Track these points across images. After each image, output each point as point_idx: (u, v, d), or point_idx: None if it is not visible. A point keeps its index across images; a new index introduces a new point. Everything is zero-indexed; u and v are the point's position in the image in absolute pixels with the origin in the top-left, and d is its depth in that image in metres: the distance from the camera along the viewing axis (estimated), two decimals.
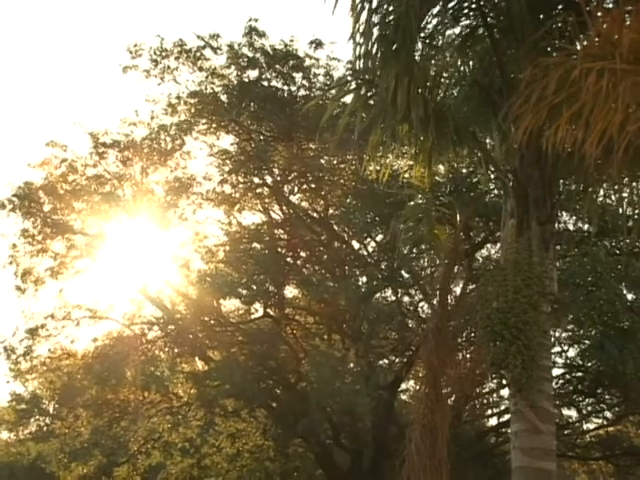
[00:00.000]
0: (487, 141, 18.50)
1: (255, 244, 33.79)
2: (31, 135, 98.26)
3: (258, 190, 32.99)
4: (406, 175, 26.98)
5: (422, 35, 16.48)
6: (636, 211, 23.58)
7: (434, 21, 16.81)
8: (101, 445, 37.38)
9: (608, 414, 38.06)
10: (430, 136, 16.21)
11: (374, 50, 15.44)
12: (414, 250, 33.09)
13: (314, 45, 31.75)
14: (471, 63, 17.82)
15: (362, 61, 15.70)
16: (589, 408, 37.46)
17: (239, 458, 35.74)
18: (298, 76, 32.09)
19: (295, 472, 36.69)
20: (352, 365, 33.45)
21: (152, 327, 34.29)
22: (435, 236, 20.04)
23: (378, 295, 34.59)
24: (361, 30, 15.35)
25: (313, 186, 32.95)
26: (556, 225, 21.55)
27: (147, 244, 34.72)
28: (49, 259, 32.89)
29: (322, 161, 31.58)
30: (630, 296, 32.06)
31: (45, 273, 32.71)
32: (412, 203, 19.67)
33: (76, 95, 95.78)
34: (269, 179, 32.71)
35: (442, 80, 17.86)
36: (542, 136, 13.99)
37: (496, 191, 25.59)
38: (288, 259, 34.19)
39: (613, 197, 23.58)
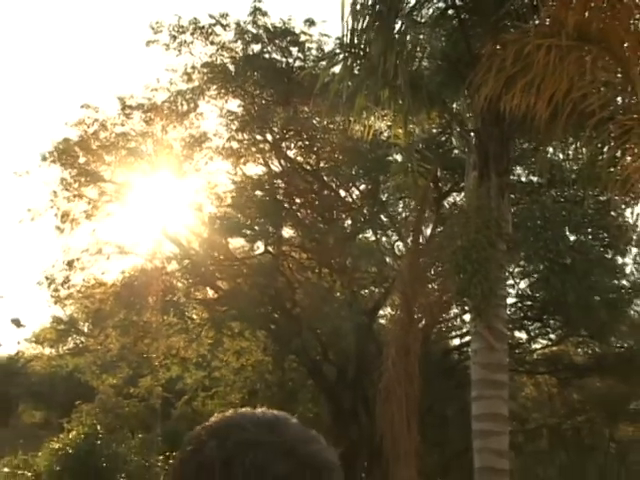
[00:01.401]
0: (454, 106, 18.51)
1: (257, 192, 33.89)
2: (69, 99, 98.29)
3: (260, 146, 33.00)
4: (386, 134, 27.12)
5: (401, 14, 16.60)
6: (579, 165, 23.67)
7: (412, 1, 16.97)
8: (127, 360, 37.63)
9: (552, 336, 38.26)
10: (407, 101, 16.27)
11: (362, 26, 15.59)
12: (391, 198, 33.18)
13: (308, 23, 32.19)
14: (442, 39, 17.91)
15: (351, 36, 15.83)
16: (536, 331, 37.64)
17: (243, 371, 35.96)
18: (294, 50, 32.13)
19: (290, 382, 36.88)
20: (338, 294, 33.71)
21: (170, 261, 34.40)
22: (411, 186, 20.11)
23: (360, 236, 34.79)
24: (351, 9, 15.51)
25: (307, 143, 32.97)
26: (511, 177, 21.68)
27: (166, 191, 34.92)
28: (84, 203, 33.01)
29: (315, 122, 31.60)
30: (572, 237, 32.15)
31: (80, 215, 32.81)
32: (398, 158, 19.77)
33: (107, 65, 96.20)
34: (269, 137, 32.73)
35: (417, 53, 17.91)
36: (500, 101, 14.02)
37: (461, 148, 25.55)
38: (285, 205, 34.24)
39: (560, 154, 23.69)
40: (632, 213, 32.03)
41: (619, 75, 13.55)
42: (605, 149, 15.45)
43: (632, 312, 36.24)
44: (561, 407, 41.96)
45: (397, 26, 16.49)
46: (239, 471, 1.69)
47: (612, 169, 17.03)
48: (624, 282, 34.47)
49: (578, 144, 17.50)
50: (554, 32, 12.88)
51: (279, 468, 1.70)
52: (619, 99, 14.44)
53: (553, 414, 41.64)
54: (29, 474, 26.71)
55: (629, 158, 14.68)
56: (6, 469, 27.22)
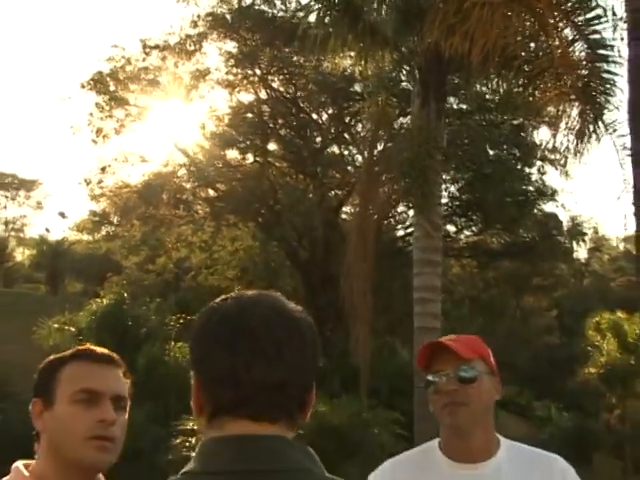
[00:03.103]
0: (404, 49, 18.40)
1: (248, 114, 33.91)
2: (102, 41, 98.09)
3: (250, 79, 32.84)
4: (349, 70, 26.96)
5: None
6: (499, 96, 23.63)
7: None
8: (147, 243, 37.71)
9: (474, 229, 38.46)
10: (367, 44, 16.29)
11: None
12: (353, 121, 33.15)
13: None
14: None
15: None
16: (462, 224, 37.81)
17: (237, 253, 36.02)
18: (278, 2, 31.80)
19: (272, 263, 36.92)
20: (311, 195, 33.68)
21: (180, 168, 34.40)
22: (380, 112, 20.22)
23: (329, 150, 34.73)
24: None
25: (287, 77, 32.88)
26: (446, 104, 21.65)
27: (177, 113, 35.23)
28: (113, 122, 33.07)
29: (294, 59, 31.38)
30: (492, 152, 32.26)
31: (111, 131, 32.94)
32: (357, 88, 19.83)
33: (132, 14, 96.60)
34: (258, 71, 32.53)
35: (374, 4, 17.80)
36: (441, 46, 13.95)
37: (408, 81, 25.41)
38: (270, 125, 34.20)
39: (484, 87, 23.69)
40: (538, 134, 31.98)
41: (536, 27, 13.50)
42: (520, 84, 15.51)
43: (536, 211, 36.55)
44: (479, 283, 42.35)
45: None
46: (251, 317, 1.76)
47: (525, 100, 17.12)
48: (530, 188, 34.66)
49: (500, 81, 17.49)
50: None
51: (276, 320, 1.77)
52: (533, 45, 14.42)
53: (473, 288, 42.03)
54: (73, 329, 26.95)
55: (538, 92, 14.74)
56: (56, 325, 27.42)
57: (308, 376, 1.81)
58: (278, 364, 1.73)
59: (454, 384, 2.92)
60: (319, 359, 1.87)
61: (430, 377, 2.99)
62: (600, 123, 13.81)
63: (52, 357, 2.60)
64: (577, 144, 14.14)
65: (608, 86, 13.34)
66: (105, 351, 2.58)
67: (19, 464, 2.48)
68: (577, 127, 14.09)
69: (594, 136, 14.01)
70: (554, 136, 15.19)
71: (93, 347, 2.61)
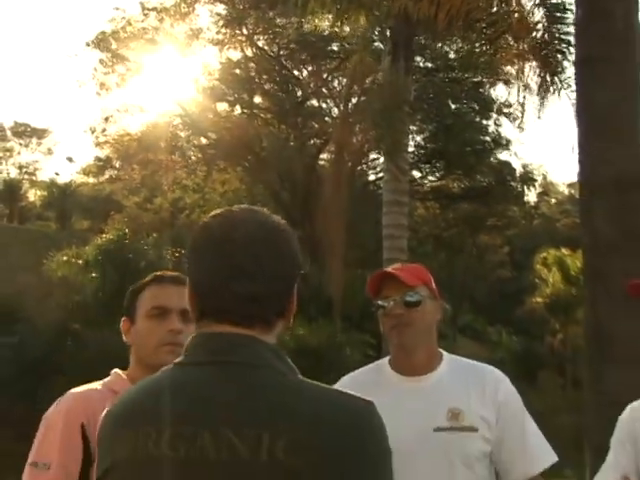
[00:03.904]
0: (377, 12, 18.23)
1: (236, 70, 33.59)
2: (105, 3, 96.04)
3: (238, 38, 32.33)
4: (327, 31, 26.69)
5: None
6: (461, 56, 23.47)
7: None
8: (146, 186, 37.56)
9: (437, 174, 38.51)
10: (344, 6, 16.08)
11: None
12: (330, 77, 32.94)
13: None
14: None
15: None
16: (427, 170, 37.89)
17: (226, 195, 35.78)
18: None
19: (258, 203, 36.78)
20: (292, 143, 33.59)
21: (176, 118, 34.18)
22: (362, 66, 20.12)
23: (308, 103, 34.50)
24: None
25: (272, 36, 32.47)
26: (413, 63, 21.50)
27: (173, 69, 35.03)
28: (115, 76, 32.66)
29: (277, 21, 31.00)
30: (453, 106, 32.18)
31: (113, 85, 32.57)
32: (335, 48, 19.68)
33: None
34: (245, 31, 32.09)
35: None
36: (410, 9, 13.81)
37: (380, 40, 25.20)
38: (256, 80, 34.01)
39: (449, 48, 23.57)
40: (495, 90, 32.05)
41: None
42: (481, 45, 15.38)
43: (492, 159, 36.63)
44: (441, 223, 42.42)
45: None
46: (232, 233, 1.78)
47: (485, 60, 17.00)
48: (487, 138, 34.71)
49: (463, 42, 17.41)
50: None
51: (256, 234, 1.79)
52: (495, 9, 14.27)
53: (436, 227, 42.09)
54: (80, 262, 26.88)
55: (497, 53, 14.65)
56: (64, 258, 27.32)
57: (287, 286, 1.84)
58: (256, 278, 1.75)
59: (401, 308, 2.98)
60: (299, 268, 1.88)
61: (380, 302, 3.03)
62: (556, 79, 13.73)
63: (134, 285, 2.91)
64: (541, 99, 14.07)
65: (564, 45, 13.24)
66: (173, 274, 2.89)
67: (117, 370, 2.87)
68: (534, 84, 14.05)
69: (550, 92, 13.95)
70: (514, 92, 15.15)
71: (164, 272, 2.92)
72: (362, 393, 3.05)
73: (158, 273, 2.91)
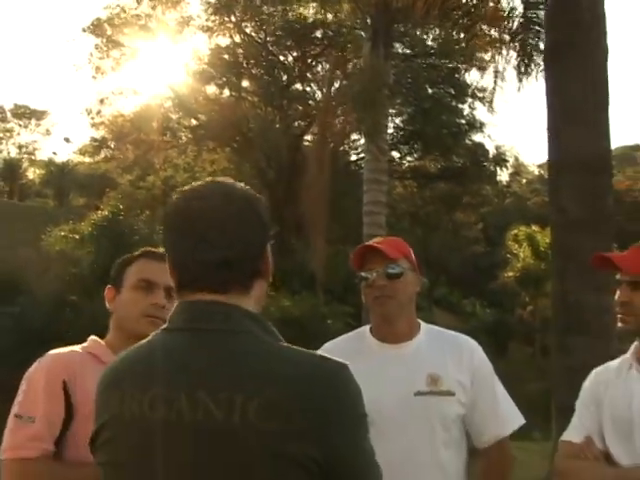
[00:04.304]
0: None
1: (225, 55, 33.36)
2: None
3: (227, 25, 32.22)
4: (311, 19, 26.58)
5: None
6: (438, 43, 23.42)
7: None
8: (139, 164, 37.34)
9: (415, 155, 38.51)
10: None
11: None
12: (314, 62, 32.83)
13: None
14: None
15: None
16: (405, 151, 37.84)
17: (215, 174, 35.49)
18: None
19: (244, 181, 36.54)
20: (277, 125, 33.46)
21: (167, 100, 34.12)
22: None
23: (293, 86, 34.36)
24: None
25: (259, 23, 32.31)
26: (392, 49, 21.46)
27: (165, 54, 34.84)
28: (110, 61, 32.50)
29: (264, 9, 30.88)
30: (430, 91, 32.13)
31: (108, 69, 32.42)
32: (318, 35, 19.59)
33: None
34: (233, 18, 31.92)
35: None
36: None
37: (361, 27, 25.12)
38: (243, 64, 33.82)
39: (426, 35, 23.52)
40: (469, 75, 32.06)
41: None
42: (457, 33, 15.34)
43: (467, 141, 36.64)
44: (418, 201, 42.44)
45: None
46: (197, 205, 1.81)
47: (460, 46, 16.99)
48: (462, 121, 34.71)
49: (440, 30, 17.36)
50: None
51: (220, 204, 1.82)
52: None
53: (413, 205, 42.10)
54: (76, 237, 26.82)
55: (472, 40, 14.61)
56: (62, 233, 27.27)
57: (256, 250, 1.84)
58: (221, 245, 1.76)
59: (383, 279, 2.99)
60: (266, 232, 1.89)
61: (363, 274, 3.04)
62: (532, 65, 13.68)
63: (124, 257, 2.92)
64: (519, 81, 14.01)
65: (539, 29, 13.22)
66: (163, 251, 2.79)
67: (94, 337, 2.85)
68: (507, 70, 14.04)
69: (526, 77, 13.90)
70: (488, 77, 15.13)
71: (154, 249, 2.92)
72: (344, 359, 3.09)
73: (148, 249, 2.92)
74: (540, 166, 64.99)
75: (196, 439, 1.65)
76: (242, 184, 1.92)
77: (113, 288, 2.84)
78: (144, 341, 1.87)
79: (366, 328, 3.18)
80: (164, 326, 1.84)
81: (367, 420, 1.81)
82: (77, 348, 2.76)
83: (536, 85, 16.45)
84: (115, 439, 1.76)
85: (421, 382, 2.96)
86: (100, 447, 1.80)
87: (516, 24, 12.85)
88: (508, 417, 3.09)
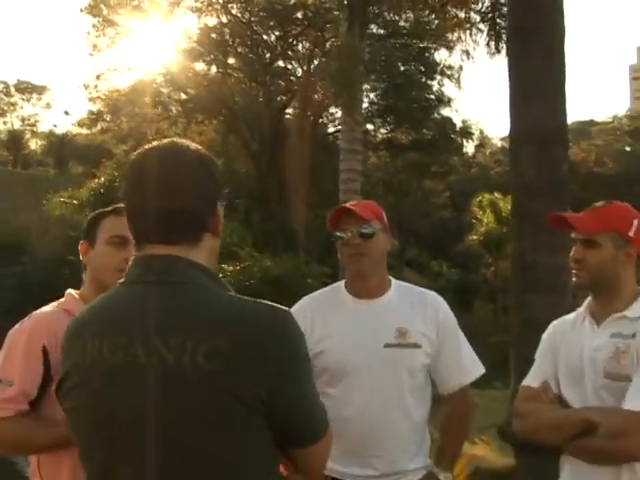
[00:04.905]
0: None
1: (212, 34, 33.01)
2: None
3: (215, 6, 31.88)
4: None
5: None
6: (410, 24, 23.23)
7: None
8: (133, 134, 37.01)
9: (388, 127, 38.41)
10: None
11: None
12: (295, 41, 32.58)
13: None
14: None
15: None
16: (379, 124, 37.76)
17: (203, 144, 35.17)
18: None
19: (231, 151, 36.61)
20: (261, 99, 33.22)
21: (159, 76, 33.80)
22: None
23: (276, 64, 34.03)
24: None
25: (244, 4, 32.03)
26: (367, 30, 21.30)
27: (157, 33, 34.63)
28: (106, 39, 32.12)
29: None
30: (402, 68, 32.01)
31: (104, 47, 32.07)
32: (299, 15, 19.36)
33: None
34: (220, 0, 31.61)
35: None
36: None
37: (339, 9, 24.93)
38: (229, 42, 33.49)
39: (399, 17, 23.32)
40: (438, 54, 31.98)
41: None
42: (427, 15, 15.27)
43: (435, 114, 36.65)
44: (391, 169, 42.46)
45: None
46: (150, 162, 1.83)
47: (430, 28, 16.90)
48: (432, 96, 34.66)
49: (412, 12, 17.24)
50: None
51: (172, 162, 1.83)
52: None
53: (386, 174, 42.14)
54: (75, 202, 26.77)
55: (441, 21, 14.55)
56: (62, 199, 27.26)
57: (204, 205, 1.84)
58: (169, 200, 1.78)
59: (357, 239, 3.01)
60: (215, 189, 1.88)
61: (338, 233, 3.06)
62: (501, 43, 13.62)
63: (97, 211, 2.85)
64: (490, 57, 13.95)
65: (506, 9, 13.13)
66: None
67: (70, 290, 2.81)
68: (472, 49, 13.96)
69: (495, 55, 13.86)
70: (455, 56, 15.03)
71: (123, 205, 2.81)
72: (320, 312, 3.14)
73: (118, 205, 2.82)
74: (503, 139, 65.11)
75: (150, 381, 1.68)
76: (198, 146, 1.91)
77: (86, 242, 2.80)
78: (104, 294, 1.90)
79: (341, 284, 3.18)
80: (121, 280, 1.86)
81: (309, 362, 1.83)
82: (55, 304, 2.73)
83: (500, 63, 16.44)
84: (78, 385, 1.79)
85: (390, 335, 2.99)
86: (65, 394, 1.84)
87: (486, 4, 12.77)
88: (470, 366, 3.12)
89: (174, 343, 1.67)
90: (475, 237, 43.96)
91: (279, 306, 1.78)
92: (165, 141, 1.91)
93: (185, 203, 1.79)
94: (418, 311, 3.05)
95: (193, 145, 1.90)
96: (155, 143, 1.90)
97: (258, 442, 1.71)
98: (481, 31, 13.17)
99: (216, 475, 1.69)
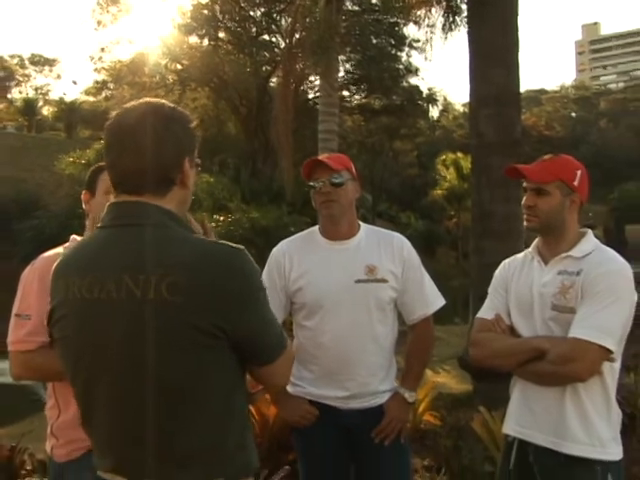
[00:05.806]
0: None
1: (204, 11, 32.36)
2: None
3: None
4: None
5: None
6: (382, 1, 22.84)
7: None
8: (134, 101, 36.63)
9: (362, 94, 38.13)
10: None
11: None
12: (279, 16, 32.09)
13: None
14: None
15: None
16: (354, 90, 37.51)
17: (197, 110, 34.80)
18: None
19: (221, 116, 36.29)
20: (248, 69, 32.89)
21: (157, 48, 33.36)
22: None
23: (262, 37, 33.54)
24: None
25: None
26: (344, 6, 20.96)
27: (155, 9, 34.08)
28: (109, 15, 31.34)
29: None
30: (374, 41, 31.70)
31: (108, 22, 31.38)
32: None
33: None
34: None
35: None
36: None
37: None
38: (220, 18, 32.87)
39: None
40: (407, 28, 31.71)
41: None
42: None
43: (404, 83, 36.58)
44: (365, 132, 42.40)
45: None
46: (123, 122, 1.81)
47: (399, 4, 16.62)
48: (401, 66, 34.53)
49: None
50: None
51: (141, 121, 1.80)
52: None
53: (360, 135, 42.14)
54: (83, 162, 26.72)
55: None
56: (71, 159, 27.19)
57: (169, 161, 1.81)
58: (137, 156, 1.77)
59: (328, 187, 3.00)
60: (182, 147, 1.84)
61: (312, 183, 3.04)
62: (457, 19, 13.39)
63: (97, 164, 2.78)
64: (445, 34, 13.72)
65: None
66: None
67: (74, 235, 2.78)
68: (438, 23, 13.70)
69: (452, 29, 13.65)
70: (422, 30, 14.76)
71: None
72: (298, 253, 3.12)
73: None
74: (464, 105, 65.18)
75: (122, 314, 1.73)
76: (173, 105, 1.86)
77: (88, 192, 2.76)
78: (83, 238, 1.97)
79: (316, 228, 3.19)
80: (98, 224, 1.87)
81: (264, 292, 1.84)
82: (61, 249, 2.70)
83: (461, 36, 16.26)
84: (63, 318, 1.83)
85: (360, 272, 3.00)
86: (53, 325, 1.88)
87: None
88: (432, 299, 3.15)
89: (141, 279, 1.70)
90: (439, 192, 44.32)
91: (235, 245, 1.79)
92: (140, 102, 1.86)
93: (149, 159, 1.77)
94: (385, 250, 3.06)
95: (168, 106, 1.85)
96: (130, 104, 1.85)
97: (221, 363, 1.76)
98: (442, 7, 12.91)
99: (179, 392, 1.74)
